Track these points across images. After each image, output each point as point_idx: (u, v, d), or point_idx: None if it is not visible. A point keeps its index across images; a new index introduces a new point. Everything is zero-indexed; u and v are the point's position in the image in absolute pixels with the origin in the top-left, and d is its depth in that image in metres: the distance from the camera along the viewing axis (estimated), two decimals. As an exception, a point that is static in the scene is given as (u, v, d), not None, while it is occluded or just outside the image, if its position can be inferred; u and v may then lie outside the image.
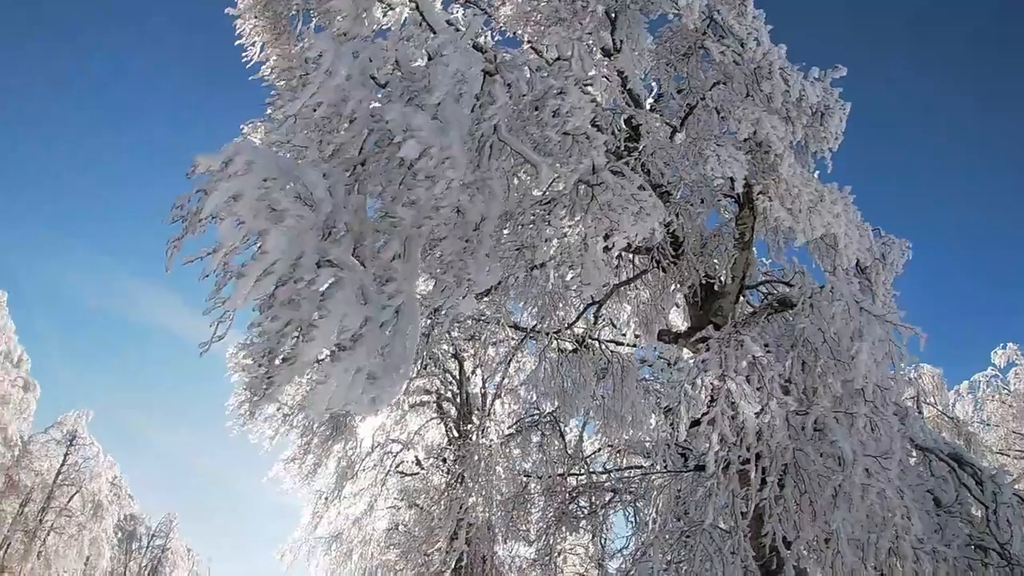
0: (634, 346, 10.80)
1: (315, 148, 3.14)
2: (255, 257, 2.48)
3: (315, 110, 3.03)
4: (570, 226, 4.75)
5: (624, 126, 7.66)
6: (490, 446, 10.79)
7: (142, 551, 57.37)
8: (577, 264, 5.06)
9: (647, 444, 11.69)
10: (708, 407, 6.06)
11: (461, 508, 10.40)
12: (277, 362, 2.59)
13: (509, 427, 12.50)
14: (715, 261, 8.24)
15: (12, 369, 29.07)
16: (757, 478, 5.85)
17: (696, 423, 8.48)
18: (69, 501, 30.00)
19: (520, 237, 5.81)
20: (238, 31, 9.15)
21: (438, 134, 2.84)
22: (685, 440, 11.87)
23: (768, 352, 6.29)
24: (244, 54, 9.24)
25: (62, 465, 30.27)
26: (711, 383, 5.86)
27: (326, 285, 2.55)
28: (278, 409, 13.57)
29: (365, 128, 3.18)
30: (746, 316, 8.03)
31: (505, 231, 5.54)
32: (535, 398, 12.44)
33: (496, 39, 8.68)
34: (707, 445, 5.61)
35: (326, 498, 15.97)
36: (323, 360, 2.66)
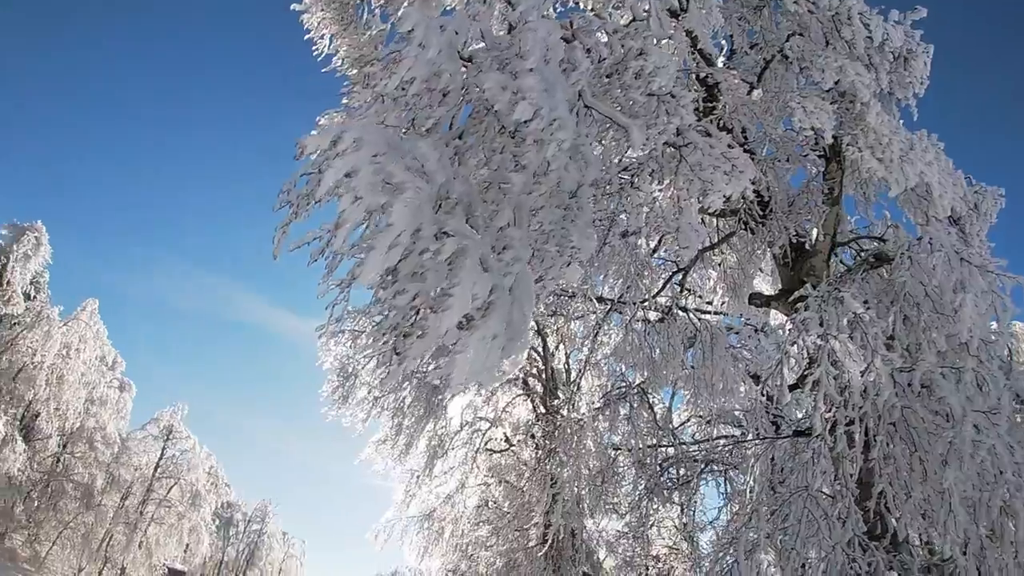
0: (721, 314, 10.55)
1: (410, 126, 3.16)
2: (379, 230, 2.52)
3: (408, 87, 3.05)
4: (660, 190, 4.66)
5: (699, 86, 7.45)
6: (580, 420, 10.75)
7: (239, 536, 60.30)
8: (672, 228, 4.95)
9: (737, 413, 11.48)
10: (808, 368, 5.89)
11: (554, 483, 10.43)
12: (405, 336, 2.62)
13: (597, 401, 12.43)
14: (804, 219, 7.94)
15: (108, 372, 30.89)
16: (863, 439, 5.65)
17: (794, 387, 8.27)
18: (168, 492, 31.79)
19: (605, 205, 5.74)
20: (305, 26, 9.32)
21: (545, 96, 2.81)
22: (776, 407, 11.61)
23: (868, 309, 6.05)
24: (314, 48, 9.41)
25: (160, 459, 32.21)
26: (811, 343, 5.68)
27: (449, 255, 2.56)
28: (368, 392, 13.91)
29: (459, 101, 3.18)
30: (841, 274, 7.74)
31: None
32: (622, 370, 12.37)
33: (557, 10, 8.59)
34: (807, 409, 5.45)
35: (418, 477, 16.33)
36: (451, 332, 2.67)
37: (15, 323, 23.92)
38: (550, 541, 13.70)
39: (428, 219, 2.56)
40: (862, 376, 5.43)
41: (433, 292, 2.58)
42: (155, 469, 31.87)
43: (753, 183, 7.11)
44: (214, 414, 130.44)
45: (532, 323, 14.22)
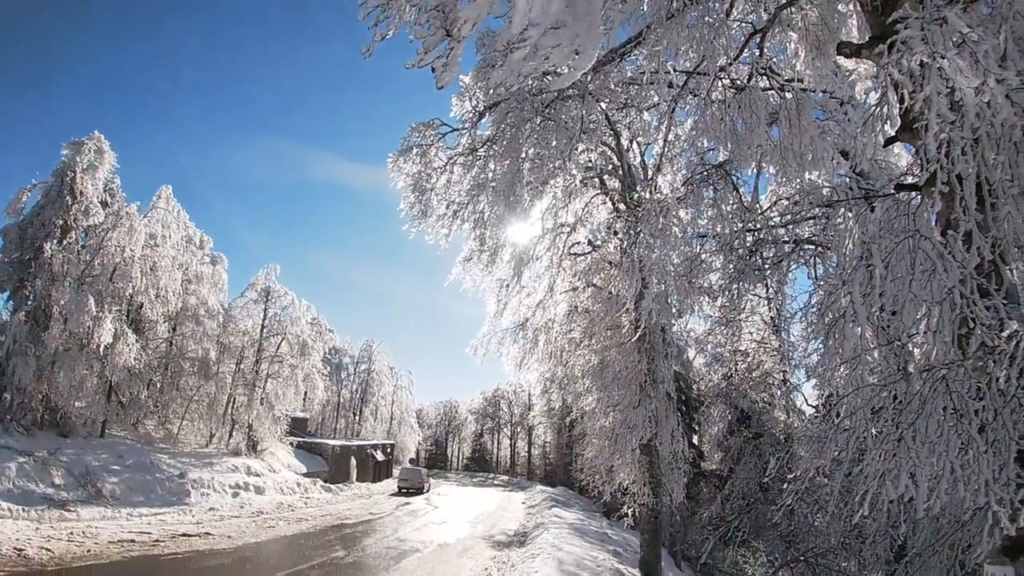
0: (804, 89, 9.68)
1: None
2: None
3: None
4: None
5: None
6: (663, 201, 10.44)
7: (350, 378, 65.13)
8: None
9: (826, 190, 10.89)
10: (912, 101, 5.33)
11: (641, 268, 10.33)
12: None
13: (678, 187, 12.05)
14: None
15: (197, 251, 32.22)
16: (978, 159, 5.14)
17: (891, 140, 7.65)
18: (277, 349, 33.89)
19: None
20: None
21: None
22: (869, 183, 10.94)
23: (977, 27, 5.32)
24: None
25: (264, 319, 34.06)
26: (915, 65, 5.09)
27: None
28: (447, 207, 13.97)
29: None
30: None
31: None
32: (703, 151, 11.87)
33: None
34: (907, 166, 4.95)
35: (507, 286, 16.70)
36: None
37: (100, 230, 24.92)
38: (640, 333, 13.91)
39: None
40: (976, 96, 4.87)
41: None
42: (261, 330, 33.72)
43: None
44: (310, 269, 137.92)
45: (601, 118, 13.66)
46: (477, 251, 15.04)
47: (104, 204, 25.90)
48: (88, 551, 13.09)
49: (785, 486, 7.98)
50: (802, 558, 13.03)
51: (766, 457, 22.92)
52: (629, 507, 17.21)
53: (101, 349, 24.09)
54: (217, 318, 32.09)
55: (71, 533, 14.34)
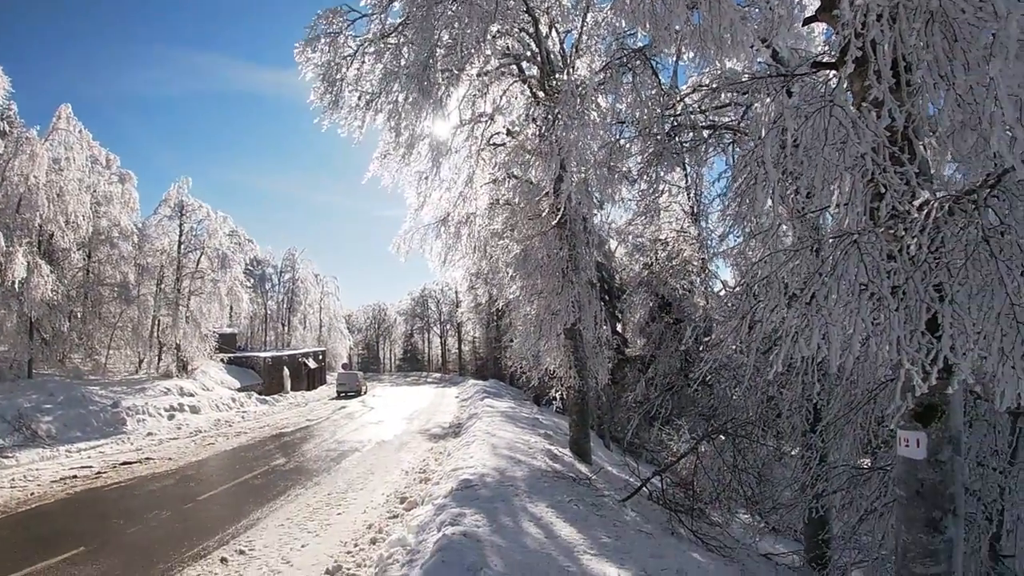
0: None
1: None
2: None
3: None
4: None
5: None
6: (582, 84, 10.18)
7: (275, 288, 64.25)
8: None
9: (745, 78, 10.81)
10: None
11: (560, 149, 10.15)
12: None
13: (598, 73, 11.78)
14: None
15: (104, 171, 30.22)
16: (895, 32, 5.09)
17: (812, 20, 7.56)
18: (197, 264, 32.81)
19: None
20: None
21: None
22: (789, 69, 10.88)
23: None
24: None
25: (181, 235, 32.72)
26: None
27: None
28: (359, 98, 13.36)
29: None
30: None
31: None
32: (623, 32, 11.58)
33: None
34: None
35: (426, 178, 16.38)
36: None
37: (0, 160, 23.09)
38: (561, 219, 13.91)
39: None
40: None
41: None
42: (179, 246, 32.48)
43: None
44: (228, 184, 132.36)
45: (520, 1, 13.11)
46: (393, 144, 14.55)
47: (2, 134, 23.97)
48: (32, 494, 12.77)
49: (703, 363, 8.25)
50: (722, 431, 13.76)
51: (687, 341, 23.93)
52: (557, 391, 17.81)
53: (16, 285, 23.02)
54: (132, 239, 30.66)
55: (12, 479, 13.89)
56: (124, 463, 16.27)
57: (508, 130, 16.36)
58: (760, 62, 10.77)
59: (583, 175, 11.74)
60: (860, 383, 9.38)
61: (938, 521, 5.41)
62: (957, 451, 5.46)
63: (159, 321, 31.56)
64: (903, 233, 4.85)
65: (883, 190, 5.00)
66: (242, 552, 9.62)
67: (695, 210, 23.37)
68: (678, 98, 11.95)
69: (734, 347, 6.40)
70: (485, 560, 7.26)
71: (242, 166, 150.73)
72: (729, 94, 11.35)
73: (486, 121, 15.78)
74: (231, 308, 37.68)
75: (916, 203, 4.91)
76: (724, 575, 9.10)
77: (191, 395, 27.81)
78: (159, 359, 31.62)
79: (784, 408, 12.42)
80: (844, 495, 9.88)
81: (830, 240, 5.12)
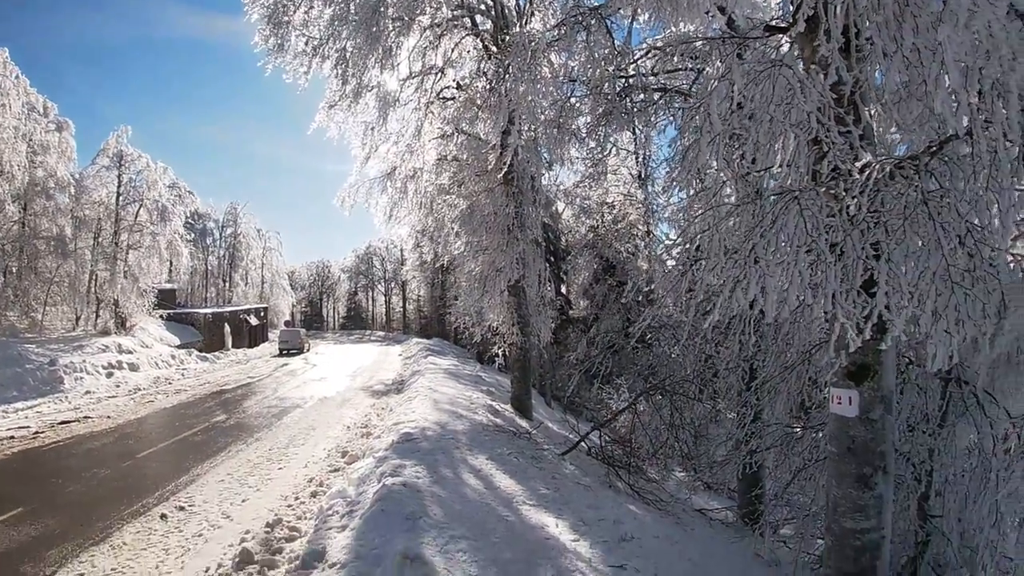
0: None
1: None
2: None
3: None
4: None
5: None
6: (535, 38, 10.05)
7: (216, 243, 62.38)
8: None
9: (699, 44, 10.85)
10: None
11: (510, 102, 10.04)
12: None
13: (552, 27, 11.64)
14: None
15: (41, 118, 28.54)
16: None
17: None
18: (136, 217, 31.56)
19: None
20: None
21: None
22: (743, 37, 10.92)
23: None
24: None
25: (119, 187, 31.28)
26: None
27: None
28: (307, 43, 12.93)
29: None
30: None
31: None
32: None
33: None
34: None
35: (373, 129, 15.99)
36: None
37: None
38: (508, 173, 13.83)
39: None
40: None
41: None
42: (117, 198, 31.08)
43: None
44: (170, 135, 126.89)
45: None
46: (340, 91, 14.10)
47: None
48: (-33, 456, 12.28)
49: (642, 320, 8.35)
50: (660, 389, 14.08)
51: (629, 304, 24.39)
52: (500, 348, 17.92)
53: (-54, 240, 21.53)
54: (69, 190, 29.28)
55: (-54, 441, 13.34)
56: (62, 422, 15.77)
57: (458, 84, 16.08)
58: (715, 28, 10.85)
59: (532, 132, 11.68)
60: (795, 343, 9.66)
61: (868, 477, 5.63)
62: (888, 410, 5.68)
63: (97, 276, 30.44)
64: (843, 193, 4.97)
65: (826, 149, 5.09)
66: (182, 508, 9.49)
67: (642, 174, 23.68)
68: (631, 60, 11.94)
69: (673, 304, 6.52)
70: (425, 509, 7.33)
71: (187, 117, 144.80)
72: (681, 58, 11.38)
73: (436, 74, 15.44)
74: (171, 263, 36.48)
75: (858, 165, 5.03)
76: (659, 525, 9.41)
77: (130, 352, 26.98)
78: (97, 316, 30.58)
79: (721, 367, 12.72)
80: (777, 453, 10.20)
81: (771, 197, 5.22)
